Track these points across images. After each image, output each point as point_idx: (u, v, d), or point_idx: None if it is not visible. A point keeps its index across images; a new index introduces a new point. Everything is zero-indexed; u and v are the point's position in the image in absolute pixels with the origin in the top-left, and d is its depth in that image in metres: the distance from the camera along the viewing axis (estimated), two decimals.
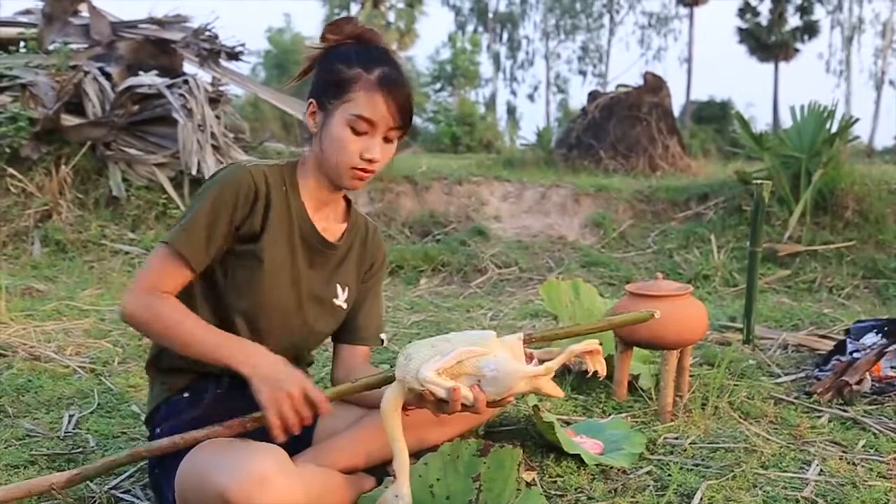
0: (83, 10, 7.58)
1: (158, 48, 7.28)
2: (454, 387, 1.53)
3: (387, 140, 1.79)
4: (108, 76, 6.86)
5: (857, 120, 6.28)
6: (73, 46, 7.26)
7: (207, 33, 7.20)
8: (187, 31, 7.33)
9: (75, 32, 7.40)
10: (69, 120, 6.44)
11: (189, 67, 7.39)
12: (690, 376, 2.92)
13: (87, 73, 6.71)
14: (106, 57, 7.16)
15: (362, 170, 1.77)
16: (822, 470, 2.17)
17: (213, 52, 7.17)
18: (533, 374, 1.56)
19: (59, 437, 2.38)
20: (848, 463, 2.23)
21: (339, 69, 1.76)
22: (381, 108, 1.74)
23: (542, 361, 1.61)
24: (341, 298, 1.94)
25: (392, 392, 1.61)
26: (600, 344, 1.67)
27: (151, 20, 7.48)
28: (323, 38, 1.82)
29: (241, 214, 1.76)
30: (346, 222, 1.96)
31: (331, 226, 1.92)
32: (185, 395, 1.85)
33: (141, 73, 6.90)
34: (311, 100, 1.81)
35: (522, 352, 1.60)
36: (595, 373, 1.66)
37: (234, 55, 7.39)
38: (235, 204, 1.74)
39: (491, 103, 39.24)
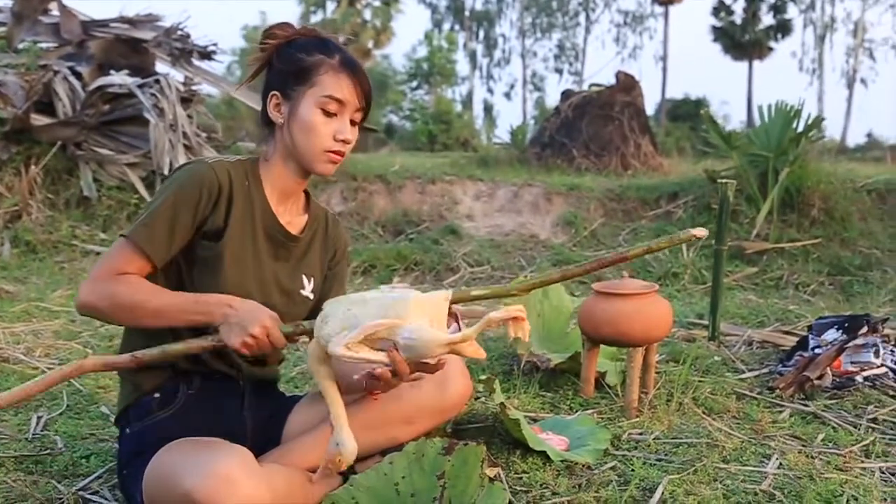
0: (53, 8, 7.52)
1: (130, 47, 7.24)
2: (367, 359, 1.54)
3: (352, 123, 1.84)
4: (78, 75, 6.82)
5: (823, 119, 6.41)
6: (43, 45, 7.22)
7: (179, 32, 7.19)
8: (159, 30, 7.30)
9: (45, 31, 7.35)
10: (39, 120, 6.40)
11: (161, 67, 7.35)
12: (656, 373, 2.96)
13: (57, 72, 6.67)
14: (76, 56, 7.12)
15: (335, 152, 1.81)
16: (781, 463, 2.21)
17: (185, 51, 7.15)
18: (449, 342, 1.53)
19: (26, 438, 2.37)
20: (806, 456, 2.28)
21: (299, 58, 1.81)
22: (349, 88, 1.80)
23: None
24: (308, 289, 1.96)
25: (313, 347, 1.64)
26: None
27: (123, 19, 7.44)
28: (270, 36, 1.85)
29: (204, 211, 1.77)
30: (307, 214, 1.98)
31: (294, 219, 1.95)
32: (156, 395, 1.86)
33: (112, 72, 6.87)
34: (273, 92, 1.83)
35: (445, 312, 1.58)
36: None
37: (206, 55, 7.37)
38: (199, 201, 1.75)
39: (468, 101, 39.29)
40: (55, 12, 7.51)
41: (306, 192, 2.00)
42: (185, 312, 1.70)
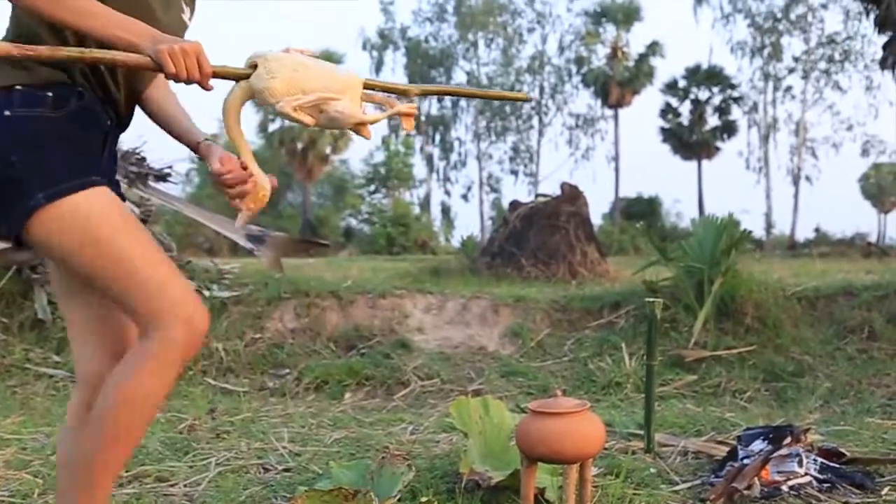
0: None
1: None
2: (300, 120, 1.78)
3: None
4: None
5: (750, 232, 6.76)
6: None
7: (135, 157, 7.38)
8: None
9: None
10: None
11: None
12: (594, 487, 3.07)
13: None
14: None
15: None
16: None
17: (140, 174, 7.33)
18: (360, 121, 1.84)
19: None
20: None
21: None
22: None
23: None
24: (187, 15, 1.98)
25: (239, 92, 1.79)
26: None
27: None
28: None
29: None
30: None
31: None
32: (48, 93, 1.76)
33: None
34: None
35: (360, 93, 1.85)
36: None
37: (162, 177, 7.56)
38: None
39: (425, 204, 39.94)
40: None
41: None
42: (114, 23, 1.65)
